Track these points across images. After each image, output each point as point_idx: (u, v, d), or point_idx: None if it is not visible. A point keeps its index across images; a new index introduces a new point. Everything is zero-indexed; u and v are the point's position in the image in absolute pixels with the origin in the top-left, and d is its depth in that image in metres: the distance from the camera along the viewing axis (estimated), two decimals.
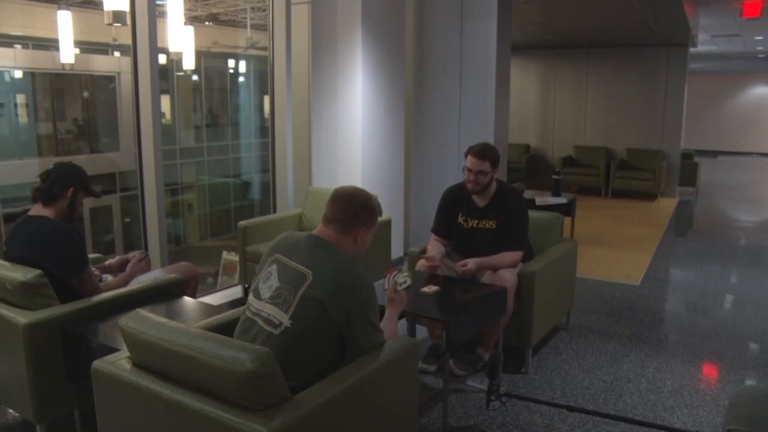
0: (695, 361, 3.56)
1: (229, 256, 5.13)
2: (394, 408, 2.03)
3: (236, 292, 4.45)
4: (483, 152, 3.21)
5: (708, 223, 8.65)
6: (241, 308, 2.20)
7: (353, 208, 2.03)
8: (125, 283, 2.87)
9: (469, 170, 3.23)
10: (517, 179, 9.15)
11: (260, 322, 1.89)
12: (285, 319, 1.84)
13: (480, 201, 3.32)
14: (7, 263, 2.52)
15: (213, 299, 4.18)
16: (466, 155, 3.27)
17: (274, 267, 1.96)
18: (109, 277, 2.98)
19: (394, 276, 2.30)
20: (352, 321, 1.87)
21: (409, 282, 2.33)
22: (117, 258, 3.09)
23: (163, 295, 2.75)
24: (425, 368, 3.19)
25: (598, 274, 5.32)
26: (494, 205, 3.30)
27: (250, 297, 1.98)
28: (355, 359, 1.90)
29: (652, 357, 3.58)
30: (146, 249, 3.82)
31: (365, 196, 2.09)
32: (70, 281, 2.57)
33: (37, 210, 2.61)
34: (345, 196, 2.06)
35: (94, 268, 2.85)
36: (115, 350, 2.02)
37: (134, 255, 3.05)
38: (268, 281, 1.93)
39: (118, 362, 1.85)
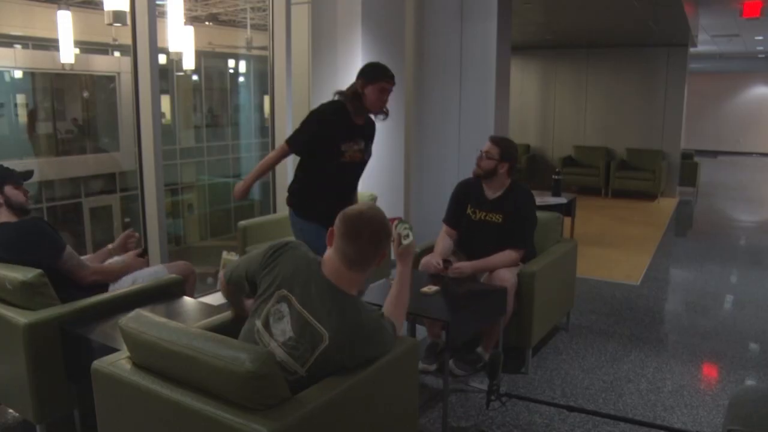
0: (695, 361, 3.56)
1: (229, 256, 5.12)
2: (394, 408, 2.03)
3: None
4: (497, 139, 3.38)
5: (708, 223, 8.64)
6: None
7: (378, 243, 1.87)
8: (121, 271, 2.88)
9: (481, 151, 3.34)
10: (517, 179, 9.15)
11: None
12: (301, 370, 1.79)
13: (491, 194, 3.36)
14: (6, 264, 2.52)
15: (213, 299, 4.17)
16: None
17: (285, 308, 1.82)
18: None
19: (396, 227, 2.15)
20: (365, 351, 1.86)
21: (411, 234, 2.18)
22: (117, 241, 3.09)
23: (163, 295, 2.75)
24: (425, 368, 3.20)
25: (598, 274, 5.32)
26: (504, 199, 3.34)
27: (258, 323, 1.86)
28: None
29: (652, 357, 3.58)
30: (146, 249, 3.81)
31: (380, 219, 1.90)
32: (57, 267, 2.59)
33: None
34: (368, 232, 1.85)
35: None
36: (115, 350, 2.02)
37: (129, 234, 3.07)
38: (281, 323, 1.81)
39: (118, 362, 1.85)
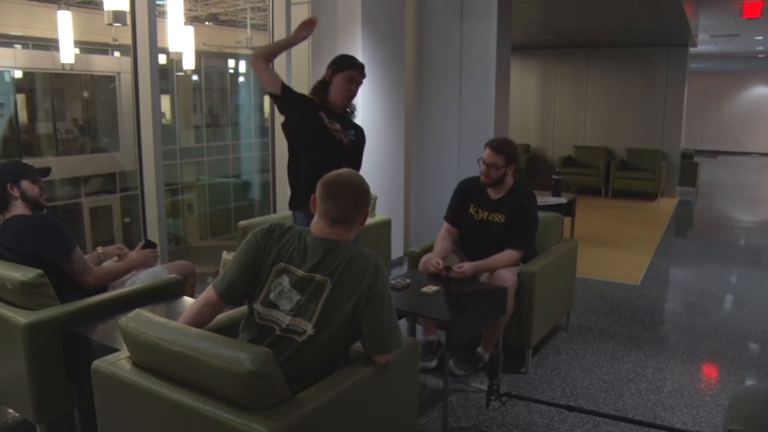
0: (695, 361, 3.56)
1: (229, 256, 5.11)
2: (394, 408, 2.03)
3: None
4: (499, 146, 3.29)
5: (708, 223, 8.64)
6: (240, 308, 2.20)
7: (357, 200, 1.94)
8: (126, 268, 2.88)
9: (484, 162, 3.31)
10: (517, 179, 9.15)
11: (278, 331, 1.84)
12: (308, 328, 1.82)
13: (494, 194, 3.37)
14: (6, 263, 2.52)
15: None
16: (485, 147, 3.34)
17: (285, 279, 1.88)
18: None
19: None
20: (375, 308, 1.85)
21: None
22: (109, 249, 3.08)
23: (163, 295, 2.75)
24: (424, 366, 3.20)
25: (598, 274, 5.32)
26: (507, 199, 3.34)
27: (258, 306, 1.89)
28: (375, 349, 1.89)
29: (652, 357, 3.58)
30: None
31: (358, 180, 1.98)
32: (63, 266, 2.60)
33: (6, 216, 2.66)
34: (346, 191, 1.93)
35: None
36: (115, 350, 2.02)
37: (119, 247, 3.07)
38: (284, 294, 1.86)
39: (118, 362, 1.85)
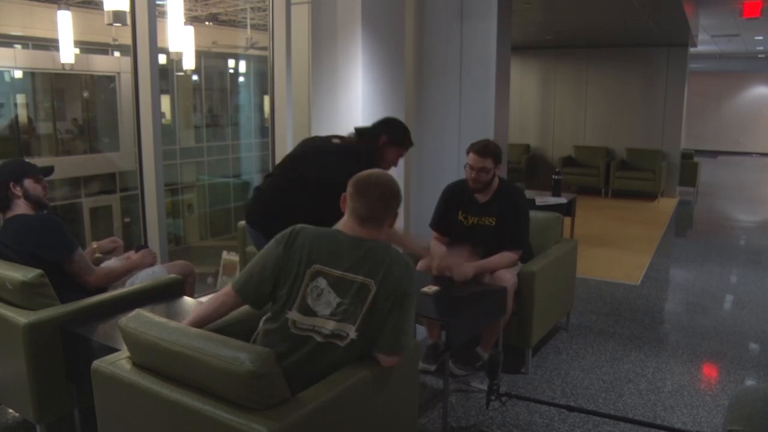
0: (695, 361, 3.56)
1: (229, 257, 5.13)
2: (394, 408, 2.03)
3: None
4: (485, 149, 3.19)
5: (708, 223, 8.65)
6: (241, 307, 2.19)
7: (386, 200, 1.95)
8: (127, 268, 2.87)
9: (471, 167, 3.22)
10: (517, 179, 9.15)
11: (319, 338, 1.83)
12: (352, 332, 1.82)
13: (481, 197, 3.30)
14: (6, 263, 2.52)
15: None
16: (467, 152, 3.26)
17: (322, 282, 1.85)
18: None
19: None
20: (403, 309, 1.86)
21: None
22: (104, 243, 3.07)
23: (163, 295, 2.75)
24: (425, 368, 3.20)
25: (598, 274, 5.32)
26: (495, 201, 3.27)
27: (294, 314, 1.85)
28: (387, 348, 1.88)
29: (652, 357, 3.58)
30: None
31: (390, 181, 1.99)
32: (63, 265, 2.59)
33: (8, 215, 2.65)
34: (375, 190, 1.93)
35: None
36: (115, 350, 2.02)
37: (113, 240, 3.07)
38: (321, 298, 1.84)
39: (118, 362, 1.85)
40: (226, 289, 1.98)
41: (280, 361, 1.74)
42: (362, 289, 1.84)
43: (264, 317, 1.99)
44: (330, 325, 1.83)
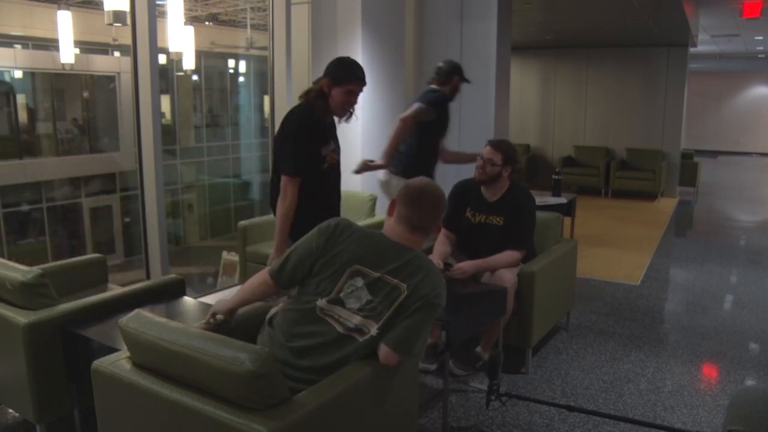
0: (695, 361, 3.56)
1: (229, 257, 5.14)
2: (394, 408, 2.03)
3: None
4: (498, 144, 3.32)
5: (708, 223, 8.65)
6: (264, 304, 2.25)
7: (438, 211, 2.05)
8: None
9: (481, 158, 3.31)
10: (517, 179, 9.14)
11: (342, 330, 1.88)
12: (374, 329, 1.88)
13: (490, 196, 3.34)
14: (7, 263, 2.53)
15: (213, 299, 4.17)
16: (486, 145, 3.36)
17: (359, 280, 1.92)
18: None
19: None
20: (426, 314, 1.91)
21: None
22: None
23: (163, 295, 2.75)
24: (425, 368, 3.20)
25: (598, 274, 5.32)
26: (504, 201, 3.31)
27: (322, 302, 1.91)
28: (394, 345, 1.90)
29: (652, 357, 3.58)
30: (146, 249, 3.81)
31: (440, 192, 2.07)
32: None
33: None
34: (430, 201, 2.03)
35: None
36: (115, 350, 2.02)
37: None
38: (354, 294, 1.91)
39: (118, 362, 1.85)
40: (263, 275, 2.08)
41: (298, 340, 1.89)
42: (394, 291, 1.89)
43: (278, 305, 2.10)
44: (355, 320, 1.88)
